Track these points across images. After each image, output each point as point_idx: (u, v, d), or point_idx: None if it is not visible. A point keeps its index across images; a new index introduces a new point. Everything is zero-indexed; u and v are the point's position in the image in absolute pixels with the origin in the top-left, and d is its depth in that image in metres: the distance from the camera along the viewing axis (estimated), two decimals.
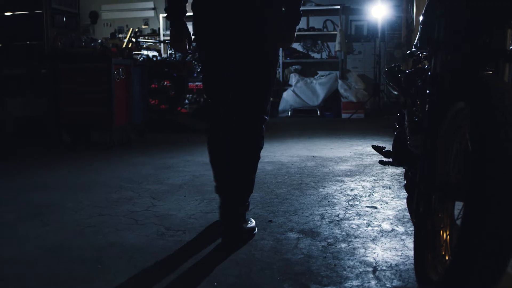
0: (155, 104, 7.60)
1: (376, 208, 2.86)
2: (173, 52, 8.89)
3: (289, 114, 9.36)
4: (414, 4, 8.18)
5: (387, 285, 1.83)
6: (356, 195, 3.16)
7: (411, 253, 2.09)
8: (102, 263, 2.10)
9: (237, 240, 2.30)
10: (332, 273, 1.94)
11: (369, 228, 2.49)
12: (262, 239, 2.34)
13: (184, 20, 2.35)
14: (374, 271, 1.95)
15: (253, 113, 2.38)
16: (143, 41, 9.17)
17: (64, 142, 5.56)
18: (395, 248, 2.20)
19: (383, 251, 2.16)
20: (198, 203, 3.02)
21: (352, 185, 3.44)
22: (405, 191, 2.39)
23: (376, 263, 2.03)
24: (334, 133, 6.62)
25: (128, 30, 8.48)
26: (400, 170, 3.74)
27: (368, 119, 8.54)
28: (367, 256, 2.10)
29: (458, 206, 1.48)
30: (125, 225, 2.60)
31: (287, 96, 9.25)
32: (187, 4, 2.37)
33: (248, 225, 2.40)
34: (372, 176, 3.76)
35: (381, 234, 2.39)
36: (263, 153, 2.49)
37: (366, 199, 3.07)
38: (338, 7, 9.57)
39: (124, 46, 7.65)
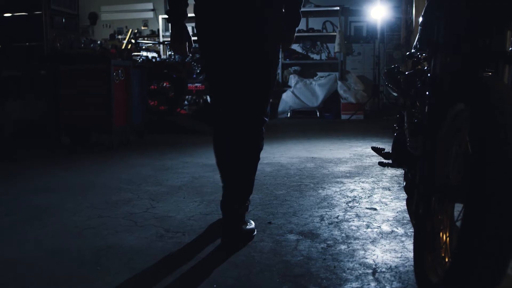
0: (154, 105, 7.60)
1: (375, 209, 2.86)
2: (172, 53, 8.89)
3: (289, 115, 9.36)
4: (413, 6, 8.18)
5: (387, 287, 1.83)
6: (355, 197, 3.15)
7: (410, 255, 2.09)
8: (101, 265, 2.09)
9: (236, 240, 2.30)
10: (332, 275, 1.94)
11: (369, 229, 2.49)
12: (262, 241, 2.34)
13: (184, 23, 2.36)
14: (373, 273, 1.94)
15: (252, 114, 2.38)
16: (143, 42, 9.16)
17: (63, 143, 5.55)
18: (394, 249, 2.19)
19: (382, 253, 2.15)
20: (198, 205, 3.01)
21: (352, 187, 3.44)
22: (404, 193, 2.38)
23: (375, 265, 2.03)
24: (333, 134, 6.62)
25: (128, 31, 8.47)
26: (399, 172, 3.74)
27: (367, 120, 8.54)
28: (366, 258, 2.10)
29: (458, 207, 1.48)
30: (124, 227, 2.59)
31: (287, 97, 9.25)
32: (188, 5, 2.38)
33: (248, 227, 2.40)
34: (371, 177, 3.76)
35: (380, 235, 2.39)
36: (262, 154, 2.49)
37: (366, 200, 3.07)
38: (338, 8, 9.58)
39: (123, 47, 7.65)
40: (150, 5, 11.21)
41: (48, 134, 5.69)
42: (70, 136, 5.64)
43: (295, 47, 10.06)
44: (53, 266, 2.10)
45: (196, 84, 8.53)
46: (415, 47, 2.21)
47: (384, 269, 1.98)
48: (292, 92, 9.23)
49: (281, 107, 9.29)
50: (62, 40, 6.34)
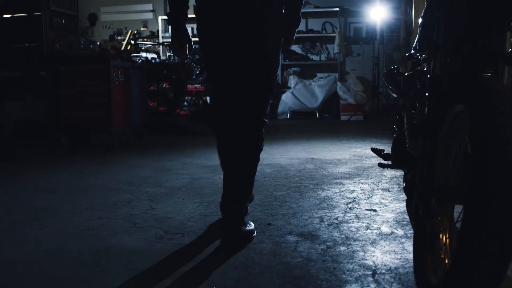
0: (154, 106, 7.59)
1: (375, 210, 2.86)
2: (172, 54, 8.89)
3: (288, 116, 9.36)
4: (413, 7, 8.18)
5: None
6: (355, 198, 3.15)
7: (410, 256, 2.08)
8: (101, 266, 2.09)
9: (236, 241, 2.30)
10: (332, 276, 1.93)
11: (368, 231, 2.48)
12: (261, 242, 2.34)
13: (185, 26, 2.38)
14: (373, 275, 1.94)
15: (252, 114, 2.38)
16: (142, 43, 9.16)
17: (63, 144, 5.55)
18: (394, 251, 2.19)
19: (382, 254, 2.15)
20: (197, 206, 3.01)
21: (351, 188, 3.44)
22: (404, 194, 2.38)
23: (375, 266, 2.02)
24: (333, 135, 6.62)
25: (127, 32, 8.47)
26: (399, 173, 3.74)
27: (367, 121, 8.54)
28: (366, 259, 2.10)
29: (458, 208, 1.48)
30: (123, 228, 2.59)
31: (286, 98, 9.25)
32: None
33: (247, 228, 2.39)
34: (371, 178, 3.75)
35: (380, 237, 2.39)
36: (262, 155, 2.49)
37: (365, 201, 3.06)
38: (337, 9, 9.59)
39: (123, 48, 7.65)
40: (149, 6, 11.22)
41: (47, 135, 5.69)
42: (69, 137, 5.64)
43: (295, 48, 10.07)
44: (53, 266, 2.09)
45: (195, 85, 8.53)
46: (415, 48, 2.21)
47: (383, 271, 1.98)
48: (292, 93, 9.24)
49: (280, 108, 9.30)
50: (62, 41, 6.34)
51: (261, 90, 2.39)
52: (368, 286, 1.84)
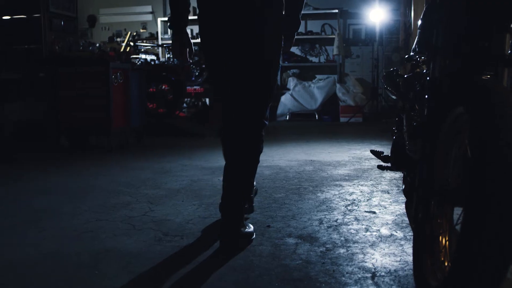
0: (153, 108, 7.59)
1: (374, 213, 2.85)
2: (171, 56, 8.88)
3: (287, 118, 9.37)
4: (412, 8, 8.19)
5: None
6: (354, 200, 3.15)
7: (410, 258, 2.08)
8: (99, 268, 2.08)
9: (235, 241, 2.29)
10: (331, 279, 1.93)
11: (368, 233, 2.48)
12: (260, 245, 2.33)
13: (186, 30, 2.41)
14: (373, 277, 1.94)
15: (251, 115, 2.38)
16: (141, 45, 9.15)
17: (62, 146, 5.54)
18: (394, 253, 2.18)
19: (382, 257, 2.14)
20: (196, 208, 3.01)
21: (351, 190, 3.43)
22: (403, 196, 2.38)
23: (375, 269, 2.02)
24: (332, 137, 6.62)
25: (126, 34, 8.48)
26: (398, 175, 3.74)
27: (366, 123, 8.54)
28: (365, 262, 2.09)
29: (457, 210, 1.48)
30: (122, 230, 2.58)
31: (285, 100, 9.25)
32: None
33: (246, 230, 2.39)
34: (370, 180, 3.75)
35: (379, 239, 2.38)
36: (261, 157, 2.48)
37: (365, 203, 3.06)
38: (336, 11, 9.60)
39: (122, 50, 7.64)
40: (149, 8, 11.21)
41: (47, 136, 5.68)
42: (69, 138, 5.63)
43: (294, 49, 10.06)
44: (52, 269, 2.09)
45: (194, 87, 8.53)
46: (414, 50, 2.21)
47: (383, 273, 1.97)
48: (291, 94, 9.24)
49: (280, 110, 9.30)
50: (61, 42, 6.33)
51: (260, 90, 2.38)
52: None
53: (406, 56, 2.36)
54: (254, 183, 2.82)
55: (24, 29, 6.68)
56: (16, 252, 2.31)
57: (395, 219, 2.71)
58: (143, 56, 8.33)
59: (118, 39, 10.41)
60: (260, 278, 1.96)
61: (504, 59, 1.51)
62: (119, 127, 5.59)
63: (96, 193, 3.46)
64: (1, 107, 6.09)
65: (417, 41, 2.11)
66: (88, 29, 10.81)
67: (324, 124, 8.68)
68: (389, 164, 2.48)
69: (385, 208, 2.95)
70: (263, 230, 2.54)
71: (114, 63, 5.66)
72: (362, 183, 3.66)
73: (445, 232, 1.64)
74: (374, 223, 2.65)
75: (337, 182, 3.69)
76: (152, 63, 8.19)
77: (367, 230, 2.53)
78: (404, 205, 2.46)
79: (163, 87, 7.75)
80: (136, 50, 8.38)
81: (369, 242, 2.34)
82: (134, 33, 10.11)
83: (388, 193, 3.33)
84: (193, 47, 2.44)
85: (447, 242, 1.62)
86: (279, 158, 4.81)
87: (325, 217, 2.76)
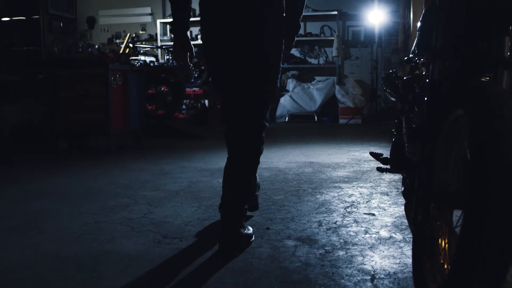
0: (152, 110, 7.59)
1: (374, 215, 2.85)
2: (170, 57, 8.88)
3: (286, 120, 9.37)
4: (411, 10, 8.20)
5: None
6: (353, 202, 3.15)
7: (409, 261, 2.08)
8: (98, 271, 2.08)
9: (234, 242, 2.29)
10: (330, 281, 1.93)
11: (367, 235, 2.48)
12: (260, 247, 2.33)
13: (187, 34, 2.42)
14: (372, 280, 1.93)
15: (250, 116, 2.38)
16: (140, 47, 9.16)
17: (61, 147, 5.54)
18: (393, 255, 2.18)
19: (381, 259, 2.14)
20: (195, 210, 3.00)
21: (350, 192, 3.43)
22: (403, 198, 2.37)
23: (374, 271, 2.02)
24: (331, 138, 6.62)
25: (126, 36, 8.47)
26: (397, 177, 3.74)
27: (365, 125, 8.54)
28: (365, 264, 2.09)
29: (457, 212, 1.47)
30: (121, 232, 2.58)
31: (285, 101, 9.25)
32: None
33: (246, 232, 2.39)
34: (369, 182, 3.75)
35: (379, 241, 2.38)
36: (260, 159, 2.48)
37: (364, 205, 3.06)
38: (335, 12, 9.60)
39: (121, 51, 7.64)
40: (148, 10, 11.21)
41: (45, 138, 5.67)
42: (67, 140, 5.62)
43: (293, 51, 10.05)
44: (51, 271, 2.08)
45: (194, 89, 8.53)
46: (413, 52, 2.21)
47: (382, 276, 1.97)
48: (290, 96, 9.24)
49: (279, 111, 9.30)
50: (60, 44, 6.33)
51: (261, 92, 2.38)
52: None
53: (405, 58, 2.36)
54: (257, 178, 2.85)
55: (23, 31, 6.68)
56: (15, 254, 2.30)
57: (394, 221, 2.70)
58: (142, 57, 8.32)
59: (117, 41, 10.41)
60: (260, 280, 1.95)
61: (503, 61, 1.51)
62: (118, 129, 5.59)
63: (95, 195, 3.45)
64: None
65: (416, 43, 2.10)
66: (87, 31, 10.79)
67: (323, 126, 8.68)
68: (388, 166, 2.48)
69: (385, 210, 2.95)
70: (262, 232, 2.54)
71: (113, 64, 5.66)
72: (361, 185, 3.66)
73: (445, 234, 1.64)
74: (374, 225, 2.65)
75: (336, 184, 3.69)
76: (151, 64, 8.18)
77: (366, 232, 2.53)
78: (403, 207, 2.46)
79: (162, 88, 7.74)
80: (135, 51, 8.38)
81: (369, 244, 2.34)
82: (133, 35, 10.11)
83: (387, 195, 3.33)
84: (193, 51, 2.45)
85: (447, 245, 1.61)
86: (278, 160, 4.81)
87: (324, 219, 2.76)
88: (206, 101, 9.35)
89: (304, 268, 2.06)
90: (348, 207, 3.03)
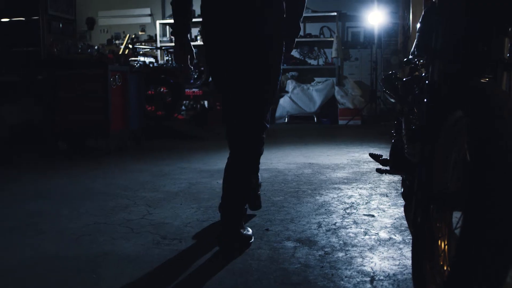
0: (151, 111, 7.58)
1: (373, 216, 2.85)
2: (169, 59, 8.88)
3: (286, 121, 9.37)
4: (411, 11, 8.20)
5: None
6: (353, 203, 3.14)
7: (409, 262, 2.07)
8: (98, 272, 2.08)
9: (234, 242, 2.30)
10: (330, 283, 1.92)
11: (367, 236, 2.47)
12: (259, 248, 2.32)
13: (188, 37, 2.42)
14: (371, 281, 1.93)
15: (251, 118, 2.38)
16: (140, 48, 9.15)
17: (60, 148, 5.53)
18: (392, 257, 2.18)
19: (380, 261, 2.14)
20: (194, 211, 3.00)
21: (349, 193, 3.43)
22: (402, 199, 2.37)
23: (373, 272, 2.01)
24: (331, 139, 6.62)
25: (125, 37, 8.46)
26: (397, 178, 3.73)
27: (365, 126, 8.54)
28: (364, 266, 2.09)
29: (456, 214, 1.47)
30: (120, 233, 2.58)
31: (284, 102, 9.25)
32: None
33: (245, 233, 2.39)
34: (369, 183, 3.74)
35: (378, 243, 2.38)
36: (259, 160, 2.48)
37: (363, 207, 3.05)
38: (335, 13, 9.60)
39: (120, 52, 7.63)
40: (147, 11, 11.21)
41: (44, 139, 5.67)
42: (67, 141, 5.62)
43: (293, 52, 10.02)
44: (50, 272, 2.08)
45: (193, 89, 8.53)
46: (413, 53, 2.21)
47: (382, 277, 1.96)
48: (290, 97, 9.24)
49: (278, 112, 9.30)
50: (59, 45, 6.33)
51: (260, 92, 2.38)
52: None
53: (405, 60, 2.36)
54: (259, 178, 2.89)
55: (23, 32, 6.68)
56: (15, 254, 2.30)
57: (394, 223, 2.70)
58: (142, 58, 8.32)
59: (117, 42, 10.41)
60: (259, 282, 1.95)
61: (503, 63, 1.51)
62: (118, 130, 5.58)
63: (94, 196, 3.45)
64: None
65: (416, 44, 2.10)
66: (87, 32, 10.79)
67: (323, 127, 8.68)
68: (388, 168, 2.48)
69: (384, 211, 2.95)
70: (262, 234, 2.54)
71: (113, 65, 5.66)
72: (360, 186, 3.66)
73: (444, 236, 1.63)
74: (373, 226, 2.64)
75: (335, 185, 3.69)
76: (151, 65, 8.18)
77: (365, 233, 2.52)
78: (403, 209, 2.46)
79: (162, 89, 7.74)
80: (135, 52, 8.38)
81: (368, 245, 2.34)
82: (133, 36, 10.08)
83: (387, 196, 3.33)
84: (194, 54, 2.46)
85: (446, 246, 1.61)
86: (278, 161, 4.81)
87: (323, 221, 2.76)
88: (206, 102, 9.35)
89: (304, 270, 2.05)
90: (347, 208, 3.02)
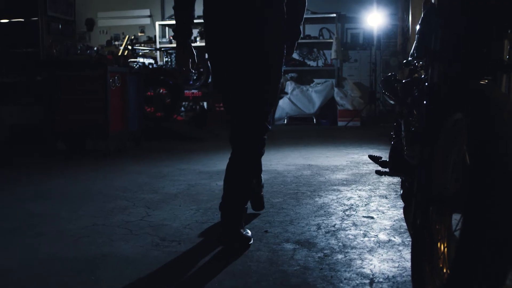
0: (151, 112, 7.58)
1: (372, 218, 2.84)
2: (169, 59, 8.88)
3: (285, 122, 9.37)
4: (410, 13, 8.20)
5: None
6: (352, 205, 3.14)
7: (408, 264, 2.07)
8: (96, 274, 2.07)
9: (234, 241, 2.31)
10: (329, 285, 1.92)
11: (366, 238, 2.47)
12: (258, 250, 2.32)
13: (189, 41, 2.43)
14: (371, 283, 1.93)
15: (250, 116, 2.39)
16: (139, 49, 9.15)
17: (59, 150, 5.53)
18: (392, 259, 2.18)
19: (380, 263, 2.14)
20: (194, 213, 2.99)
21: (349, 195, 3.43)
22: (401, 201, 2.37)
23: (373, 275, 2.01)
24: (330, 141, 6.61)
25: (124, 38, 8.46)
26: (396, 179, 3.73)
27: (364, 127, 8.54)
28: (364, 268, 2.08)
29: (456, 216, 1.47)
30: (119, 235, 2.57)
31: (283, 103, 9.25)
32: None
33: (245, 234, 2.39)
34: (368, 185, 3.74)
35: (378, 245, 2.37)
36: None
37: (363, 208, 3.05)
38: (334, 15, 9.61)
39: (120, 53, 7.62)
40: (147, 12, 11.21)
41: (43, 140, 5.66)
42: (66, 142, 5.61)
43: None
44: (49, 274, 2.07)
45: (192, 91, 8.53)
46: (412, 55, 2.21)
47: (381, 279, 1.96)
48: (289, 98, 9.23)
49: (277, 114, 9.29)
50: (59, 46, 6.32)
51: (260, 92, 2.39)
52: None
53: (404, 61, 2.36)
54: (262, 179, 2.95)
55: (22, 32, 6.67)
56: (13, 256, 2.29)
57: (393, 225, 2.70)
58: (141, 59, 8.32)
59: (116, 43, 10.41)
60: (258, 284, 1.95)
61: (502, 65, 1.51)
62: (117, 131, 5.58)
63: (93, 197, 3.44)
64: None
65: (415, 46, 2.10)
66: (86, 33, 10.78)
67: (322, 128, 8.68)
68: (387, 169, 2.48)
69: (383, 213, 2.94)
70: (261, 235, 2.53)
71: (112, 66, 5.65)
72: (360, 188, 3.65)
73: (444, 238, 1.63)
74: (372, 228, 2.64)
75: (335, 187, 3.68)
76: (150, 66, 8.18)
77: (365, 235, 2.52)
78: (402, 210, 2.46)
79: (161, 90, 7.74)
80: (134, 53, 8.37)
81: (367, 247, 2.33)
82: (132, 37, 10.10)
83: (386, 198, 3.32)
84: (195, 58, 2.47)
85: (446, 249, 1.61)
86: (277, 163, 4.80)
87: (323, 222, 2.75)
88: (205, 103, 9.35)
89: (303, 272, 2.05)
90: (347, 210, 3.02)
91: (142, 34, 11.21)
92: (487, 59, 1.53)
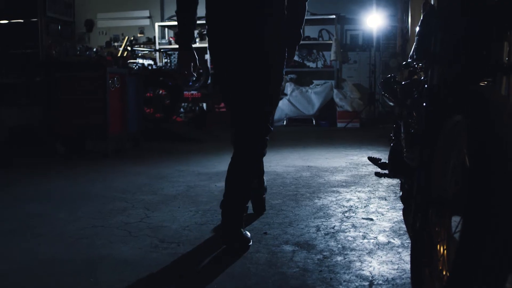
0: (150, 113, 7.58)
1: (372, 219, 2.84)
2: (168, 61, 8.88)
3: (284, 123, 9.37)
4: (409, 14, 8.21)
5: None
6: (351, 207, 3.14)
7: (407, 266, 2.07)
8: (95, 276, 2.06)
9: (235, 241, 2.32)
10: (328, 287, 1.91)
11: (365, 240, 2.47)
12: (257, 252, 2.32)
13: (191, 46, 2.44)
14: (370, 285, 1.92)
15: (250, 116, 2.39)
16: (139, 50, 9.15)
17: (58, 151, 5.52)
18: (391, 261, 2.17)
19: (379, 265, 2.13)
20: (193, 214, 2.99)
21: (348, 196, 3.42)
22: (401, 203, 2.37)
23: (372, 277, 2.00)
24: (329, 142, 6.61)
25: (124, 39, 8.46)
26: (395, 181, 3.73)
27: (363, 128, 8.54)
28: (363, 270, 2.08)
29: (455, 218, 1.47)
30: (118, 237, 2.56)
31: (283, 105, 9.25)
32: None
33: (244, 235, 2.39)
34: (367, 186, 3.74)
35: (377, 246, 2.37)
36: None
37: (362, 210, 3.05)
38: (334, 16, 9.61)
39: (119, 54, 7.63)
40: (146, 13, 11.22)
41: (43, 141, 5.66)
42: (65, 144, 5.61)
43: None
44: (47, 276, 2.07)
45: (192, 92, 8.53)
46: (412, 57, 2.20)
47: (381, 281, 1.96)
48: (288, 100, 9.24)
49: (277, 115, 9.29)
50: (58, 47, 6.33)
51: (260, 92, 2.39)
52: None
53: (404, 63, 2.36)
54: (265, 182, 2.98)
55: (21, 33, 6.67)
56: (12, 258, 2.29)
57: (392, 226, 2.69)
58: (141, 61, 8.32)
59: (116, 44, 10.41)
60: (258, 286, 1.94)
61: (502, 66, 1.51)
62: (116, 132, 5.57)
63: (92, 199, 3.44)
64: None
65: (415, 47, 2.10)
66: (85, 34, 10.78)
67: (321, 130, 8.68)
68: (386, 171, 2.47)
69: (383, 215, 2.94)
70: (260, 237, 2.53)
71: (111, 68, 5.65)
72: (359, 189, 3.65)
73: (443, 240, 1.63)
74: (372, 230, 2.64)
75: (334, 189, 3.68)
76: (150, 68, 8.18)
77: (364, 237, 2.52)
78: (401, 212, 2.45)
79: (160, 92, 7.74)
80: (134, 54, 8.37)
81: (367, 249, 2.33)
82: (132, 38, 10.10)
83: (386, 199, 3.32)
84: (197, 62, 2.47)
85: (445, 251, 1.61)
86: (276, 164, 4.80)
87: (322, 224, 2.75)
88: (204, 104, 9.35)
89: (302, 274, 2.05)
90: (346, 211, 3.02)
91: (142, 35, 11.21)
92: (487, 61, 1.53)
